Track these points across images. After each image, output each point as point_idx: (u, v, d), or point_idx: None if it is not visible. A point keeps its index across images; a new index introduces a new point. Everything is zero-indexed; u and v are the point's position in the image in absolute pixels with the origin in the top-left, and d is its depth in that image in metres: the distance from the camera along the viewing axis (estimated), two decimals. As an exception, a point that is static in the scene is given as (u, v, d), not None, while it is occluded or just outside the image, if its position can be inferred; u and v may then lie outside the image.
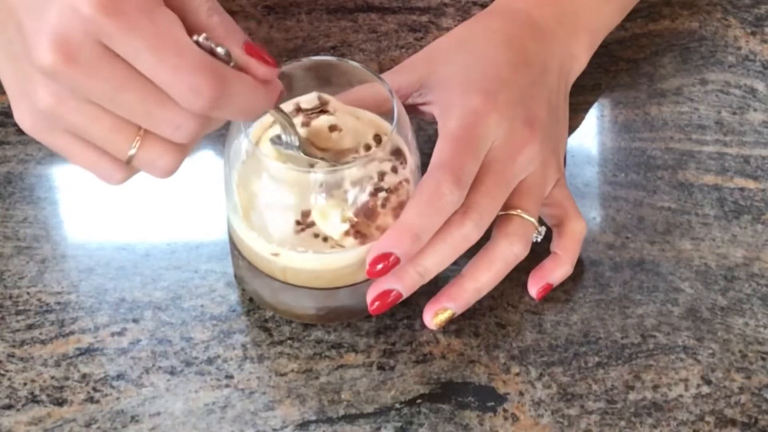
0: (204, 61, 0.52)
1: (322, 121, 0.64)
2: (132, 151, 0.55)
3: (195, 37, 0.53)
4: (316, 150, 0.63)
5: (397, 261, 0.62)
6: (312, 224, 0.62)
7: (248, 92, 0.54)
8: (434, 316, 0.66)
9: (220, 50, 0.53)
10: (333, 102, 0.65)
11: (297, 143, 0.62)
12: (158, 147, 0.55)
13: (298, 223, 0.63)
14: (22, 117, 0.56)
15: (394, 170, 0.63)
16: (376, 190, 0.62)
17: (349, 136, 0.64)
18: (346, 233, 0.62)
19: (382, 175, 0.63)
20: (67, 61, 0.51)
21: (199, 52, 0.52)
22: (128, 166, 0.56)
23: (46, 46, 0.51)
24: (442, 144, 0.64)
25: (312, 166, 0.63)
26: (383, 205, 0.63)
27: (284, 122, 0.61)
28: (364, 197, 0.62)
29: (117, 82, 0.52)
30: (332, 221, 0.62)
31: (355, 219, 0.62)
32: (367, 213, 0.63)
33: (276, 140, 0.63)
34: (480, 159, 0.64)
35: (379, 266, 0.62)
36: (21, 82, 0.55)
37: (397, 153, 0.64)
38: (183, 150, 0.56)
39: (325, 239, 0.63)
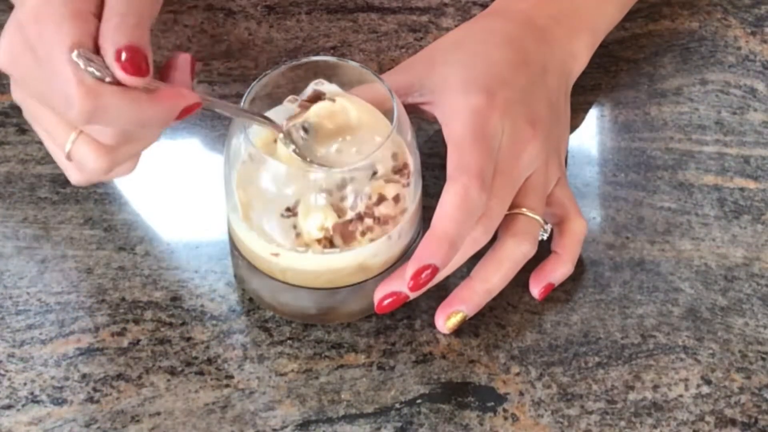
0: (73, 76, 0.55)
1: (319, 106, 0.64)
2: (68, 146, 0.59)
3: (74, 53, 0.55)
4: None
5: (436, 270, 0.62)
6: (296, 214, 0.63)
7: (126, 106, 0.56)
8: (447, 319, 0.66)
9: (90, 69, 0.55)
10: (332, 92, 0.65)
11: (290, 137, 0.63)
12: (89, 146, 0.59)
13: (287, 209, 0.63)
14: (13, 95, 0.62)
15: (396, 199, 0.63)
16: (366, 215, 0.62)
17: (359, 125, 0.65)
18: (318, 241, 0.62)
19: (380, 200, 0.63)
20: (6, 63, 0.58)
21: (72, 67, 0.55)
22: (79, 166, 0.60)
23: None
24: (458, 148, 0.64)
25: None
26: (363, 234, 0.63)
27: (256, 121, 0.63)
28: (351, 215, 0.62)
29: (37, 85, 0.58)
30: (311, 223, 0.62)
31: (330, 233, 0.62)
32: (344, 234, 0.63)
33: (283, 138, 0.63)
34: (494, 160, 0.65)
35: (421, 278, 0.62)
36: None
37: (402, 169, 0.64)
38: (112, 154, 0.59)
39: (344, 234, 0.63)
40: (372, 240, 0.63)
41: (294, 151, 0.63)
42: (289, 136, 0.63)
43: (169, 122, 0.58)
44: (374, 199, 0.63)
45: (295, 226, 0.63)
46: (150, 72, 0.56)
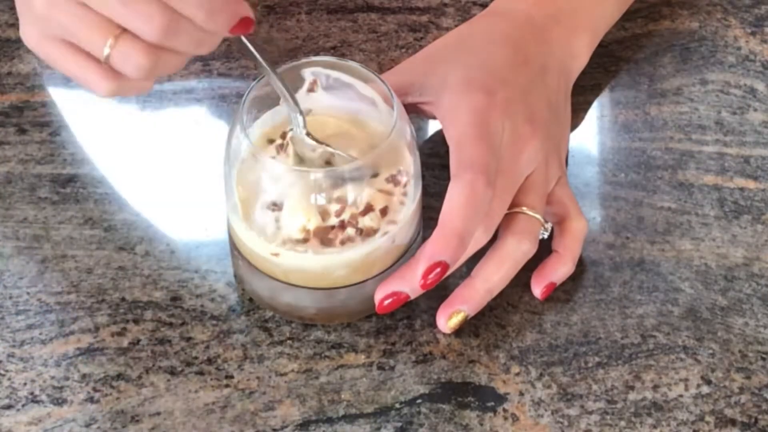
0: None
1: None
2: (107, 50, 0.58)
3: None
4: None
5: (447, 267, 0.62)
6: (280, 209, 0.63)
7: (199, 6, 0.56)
8: (448, 319, 0.66)
9: None
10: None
11: (301, 122, 0.63)
12: (131, 45, 0.58)
13: (273, 204, 0.63)
14: (24, 30, 0.60)
15: (383, 212, 0.63)
16: (349, 224, 0.62)
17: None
18: (297, 241, 0.62)
19: (367, 210, 0.62)
20: None
21: None
22: (112, 75, 0.59)
23: None
24: (461, 146, 0.64)
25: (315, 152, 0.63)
26: (342, 243, 0.63)
27: (283, 91, 0.62)
28: (334, 222, 0.62)
29: None
30: (294, 222, 0.62)
31: (311, 235, 0.62)
32: (323, 240, 0.63)
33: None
34: (497, 157, 0.65)
35: (432, 275, 0.62)
36: None
37: (396, 176, 0.64)
38: (156, 52, 0.58)
39: (325, 234, 0.63)
40: (346, 243, 0.63)
41: (308, 134, 0.63)
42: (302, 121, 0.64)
43: (224, 32, 0.58)
44: (361, 207, 0.63)
45: (277, 220, 0.63)
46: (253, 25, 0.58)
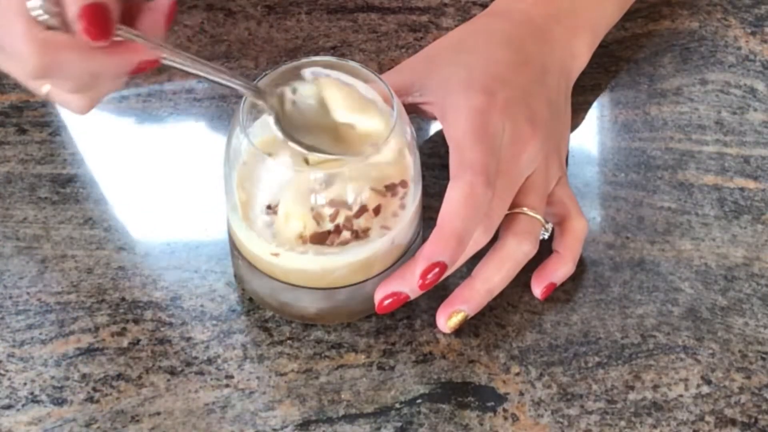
0: (24, 31, 0.54)
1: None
2: (45, 89, 0.58)
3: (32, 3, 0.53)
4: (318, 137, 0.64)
5: (445, 267, 0.62)
6: (275, 213, 0.63)
7: (79, 60, 0.55)
8: (448, 318, 0.66)
9: (45, 18, 0.54)
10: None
11: (272, 116, 0.62)
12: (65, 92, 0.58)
13: (268, 207, 0.63)
14: None
15: (376, 211, 0.63)
16: (344, 227, 0.62)
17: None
18: (298, 243, 0.63)
19: (361, 211, 0.62)
20: None
21: (23, 21, 0.53)
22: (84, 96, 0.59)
23: None
24: (460, 147, 0.64)
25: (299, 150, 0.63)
26: (338, 245, 0.62)
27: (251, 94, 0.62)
28: (330, 226, 0.62)
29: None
30: (290, 229, 0.62)
31: (307, 241, 0.62)
32: (320, 245, 0.63)
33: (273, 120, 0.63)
34: (497, 157, 0.65)
35: (430, 276, 0.62)
36: None
37: (396, 186, 0.64)
38: (87, 97, 0.58)
39: (323, 239, 0.63)
40: (345, 244, 0.63)
41: (269, 114, 0.62)
42: (269, 99, 0.62)
43: (124, 74, 0.57)
44: (355, 209, 0.62)
45: (270, 225, 0.63)
46: (112, 32, 0.54)
